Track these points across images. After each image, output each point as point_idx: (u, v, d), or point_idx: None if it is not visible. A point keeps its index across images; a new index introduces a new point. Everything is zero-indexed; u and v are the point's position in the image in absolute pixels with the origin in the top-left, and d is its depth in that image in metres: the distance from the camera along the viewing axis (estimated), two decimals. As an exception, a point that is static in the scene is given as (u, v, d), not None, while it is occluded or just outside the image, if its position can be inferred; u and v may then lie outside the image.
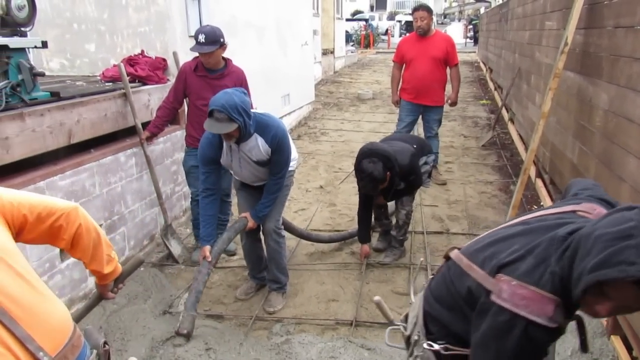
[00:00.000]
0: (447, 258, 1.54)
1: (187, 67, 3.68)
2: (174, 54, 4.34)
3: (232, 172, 3.23)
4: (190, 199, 4.07)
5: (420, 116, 5.48)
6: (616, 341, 2.66)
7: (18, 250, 1.31)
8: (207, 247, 2.98)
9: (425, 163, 3.79)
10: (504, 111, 8.23)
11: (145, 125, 3.87)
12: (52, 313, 1.28)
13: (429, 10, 5.20)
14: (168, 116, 3.81)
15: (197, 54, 3.61)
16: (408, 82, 5.34)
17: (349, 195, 5.28)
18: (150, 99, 4.06)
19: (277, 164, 3.03)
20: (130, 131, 3.83)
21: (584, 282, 1.11)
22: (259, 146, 2.94)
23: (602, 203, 1.38)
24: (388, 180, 3.43)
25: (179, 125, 4.51)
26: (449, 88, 5.50)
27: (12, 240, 1.32)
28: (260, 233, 3.35)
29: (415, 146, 3.74)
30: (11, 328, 1.16)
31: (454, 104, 5.65)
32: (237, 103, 2.71)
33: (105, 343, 1.46)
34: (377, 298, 1.82)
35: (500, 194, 5.23)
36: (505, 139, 7.40)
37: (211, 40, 3.44)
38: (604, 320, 2.82)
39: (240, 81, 3.67)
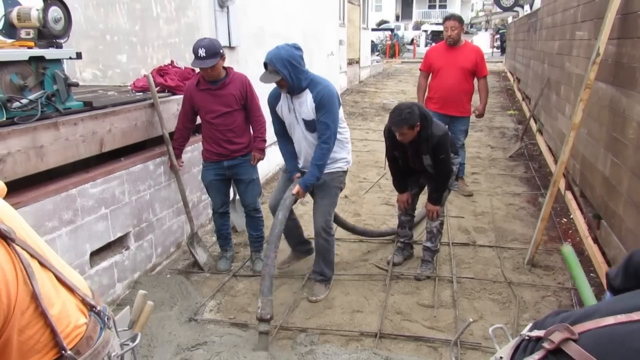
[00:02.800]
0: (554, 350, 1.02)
1: (190, 86, 3.66)
2: (203, 64, 4.41)
3: (293, 136, 3.40)
4: (213, 214, 4.03)
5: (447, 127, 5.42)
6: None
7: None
8: (297, 174, 3.34)
9: (452, 163, 3.72)
10: (532, 122, 8.10)
11: (172, 134, 3.93)
12: (72, 271, 1.41)
13: (460, 20, 5.16)
14: (184, 138, 3.83)
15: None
16: (435, 92, 5.28)
17: (374, 206, 5.26)
18: (179, 109, 4.12)
19: (322, 124, 3.16)
20: (159, 140, 3.90)
21: None
22: (307, 102, 3.16)
23: None
24: (416, 134, 3.33)
25: (207, 134, 4.57)
26: (475, 98, 5.44)
27: None
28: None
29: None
30: (62, 278, 1.29)
31: (480, 115, 5.58)
32: (283, 56, 3.00)
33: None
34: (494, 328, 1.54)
35: (528, 206, 5.14)
36: (533, 150, 7.28)
37: (212, 54, 3.38)
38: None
39: (244, 86, 3.63)
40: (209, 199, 4.57)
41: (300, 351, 2.88)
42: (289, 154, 3.43)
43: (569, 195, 4.94)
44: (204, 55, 3.36)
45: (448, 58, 5.17)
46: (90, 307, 1.35)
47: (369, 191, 5.70)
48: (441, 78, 5.20)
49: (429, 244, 3.80)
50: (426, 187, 3.85)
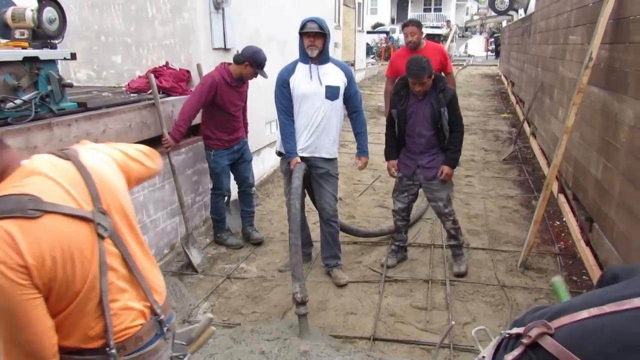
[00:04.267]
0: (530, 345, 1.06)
1: (220, 80, 3.93)
2: (198, 66, 4.42)
3: (301, 112, 3.52)
4: (216, 200, 4.30)
5: None
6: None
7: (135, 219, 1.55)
8: (297, 158, 3.50)
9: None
10: (525, 125, 8.15)
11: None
12: (157, 275, 1.54)
13: (418, 25, 5.29)
14: (190, 123, 3.95)
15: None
16: None
17: (368, 208, 5.27)
18: (174, 110, 4.12)
19: (355, 94, 3.63)
20: (154, 141, 3.89)
21: None
22: (334, 71, 3.50)
23: None
24: (432, 86, 3.49)
25: (201, 136, 4.57)
26: None
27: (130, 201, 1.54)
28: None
29: None
30: (139, 281, 1.42)
31: None
32: (325, 21, 3.44)
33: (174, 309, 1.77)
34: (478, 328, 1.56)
35: (522, 208, 5.17)
36: (526, 153, 7.32)
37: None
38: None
39: (247, 84, 4.22)
40: (203, 200, 4.59)
41: (294, 353, 2.88)
42: (292, 134, 3.54)
43: (561, 198, 4.97)
44: (264, 66, 3.94)
45: None
46: (154, 313, 1.45)
47: (363, 193, 5.71)
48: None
49: (453, 242, 3.85)
50: (421, 191, 3.87)
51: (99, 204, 1.33)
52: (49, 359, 1.25)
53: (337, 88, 3.48)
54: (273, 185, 5.88)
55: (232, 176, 4.39)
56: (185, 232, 4.06)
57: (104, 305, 1.31)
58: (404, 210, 3.90)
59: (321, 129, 3.51)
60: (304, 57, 3.47)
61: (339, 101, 3.53)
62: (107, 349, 1.33)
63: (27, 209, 1.18)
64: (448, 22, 23.94)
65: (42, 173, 1.27)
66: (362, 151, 3.76)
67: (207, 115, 4.08)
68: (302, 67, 3.48)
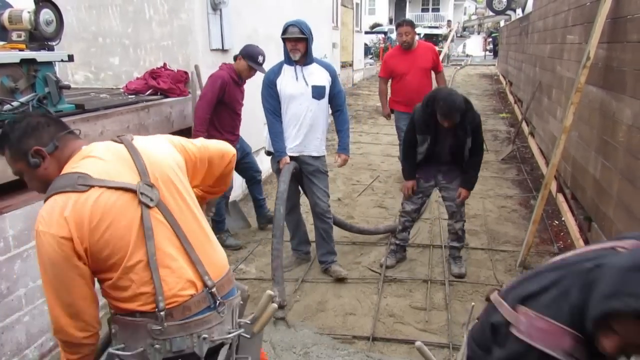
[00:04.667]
0: (488, 300, 1.48)
1: (228, 79, 4.03)
2: (196, 67, 4.41)
3: (292, 113, 3.56)
4: (217, 202, 4.29)
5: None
6: (641, 362, 2.59)
7: (196, 200, 1.65)
8: (286, 157, 3.53)
9: None
10: (524, 125, 8.15)
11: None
12: (215, 250, 1.64)
13: (412, 25, 5.46)
14: (207, 125, 4.01)
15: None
16: (401, 95, 5.45)
17: (367, 208, 5.26)
18: (172, 112, 4.12)
19: (339, 93, 3.67)
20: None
21: (591, 312, 1.08)
22: (318, 71, 3.56)
23: None
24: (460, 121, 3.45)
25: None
26: None
27: (190, 187, 1.65)
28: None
29: None
30: (188, 251, 1.50)
31: None
32: (306, 25, 3.48)
33: (247, 291, 1.81)
34: (418, 343, 1.74)
35: (520, 208, 5.17)
36: (525, 152, 7.32)
37: (263, 62, 4.07)
38: None
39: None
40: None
41: (294, 354, 2.88)
42: (280, 134, 3.58)
43: (560, 198, 4.98)
44: (261, 62, 4.04)
45: (408, 61, 5.39)
46: (205, 285, 1.51)
47: (362, 194, 5.71)
48: (406, 82, 5.40)
49: (456, 244, 3.84)
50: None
51: (146, 177, 1.49)
52: (88, 322, 1.47)
53: (323, 87, 3.56)
54: (272, 187, 5.87)
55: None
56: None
57: (151, 268, 1.41)
58: (415, 212, 3.90)
59: (309, 128, 3.58)
60: (289, 60, 3.52)
61: (325, 100, 3.60)
62: (157, 311, 1.41)
63: (77, 184, 1.40)
64: (449, 22, 23.93)
65: (94, 156, 1.51)
66: (342, 148, 3.80)
67: (215, 114, 4.06)
68: (287, 69, 3.54)
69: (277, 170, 3.66)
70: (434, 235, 4.53)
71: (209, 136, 4.11)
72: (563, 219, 4.70)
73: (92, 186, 1.41)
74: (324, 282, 3.77)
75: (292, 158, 3.59)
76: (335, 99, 3.67)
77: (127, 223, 1.42)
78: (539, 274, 1.33)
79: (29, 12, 2.88)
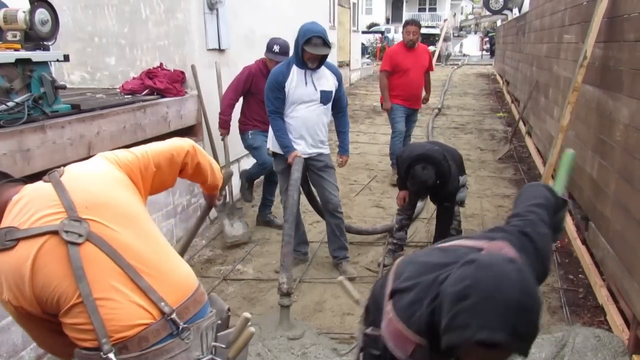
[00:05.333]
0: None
1: (256, 70, 4.29)
2: (192, 67, 4.40)
3: (298, 115, 3.55)
4: (258, 172, 4.68)
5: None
6: (639, 361, 2.60)
7: (148, 216, 1.53)
8: (295, 151, 3.51)
9: (463, 185, 3.82)
10: (521, 124, 8.16)
11: (164, 137, 3.91)
12: (175, 270, 1.49)
13: (419, 25, 5.82)
14: (231, 110, 4.36)
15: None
16: (403, 90, 5.74)
17: (364, 208, 5.26)
18: (168, 112, 4.11)
19: (343, 96, 3.69)
20: (147, 143, 3.88)
21: (443, 343, 1.13)
22: (327, 75, 3.54)
23: (521, 238, 1.40)
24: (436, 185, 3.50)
25: (196, 137, 4.56)
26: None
27: (139, 201, 1.55)
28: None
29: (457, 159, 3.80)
30: (135, 280, 1.38)
31: (427, 101, 6.31)
32: (326, 32, 3.43)
33: (228, 309, 1.67)
34: (340, 278, 1.91)
35: (518, 208, 5.16)
36: (522, 152, 7.33)
37: (284, 51, 4.17)
38: (625, 340, 2.76)
39: None
40: (199, 202, 4.58)
41: (292, 354, 2.87)
42: (286, 131, 3.56)
43: (557, 197, 4.98)
44: (278, 51, 4.16)
45: (413, 59, 5.72)
46: (163, 312, 1.40)
47: (359, 193, 5.71)
48: (409, 78, 5.70)
49: None
50: None
51: (73, 212, 1.38)
52: (57, 354, 1.49)
53: (330, 92, 3.58)
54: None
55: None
56: (222, 200, 4.35)
57: (88, 310, 1.32)
58: (410, 209, 3.92)
59: (315, 130, 3.60)
60: (301, 63, 3.45)
61: (330, 103, 3.63)
62: (102, 353, 1.33)
63: (5, 240, 1.33)
64: (446, 20, 23.90)
65: (21, 204, 1.40)
66: (344, 150, 3.88)
67: (245, 103, 4.43)
68: (297, 72, 3.48)
69: (283, 171, 3.66)
70: (431, 235, 4.52)
71: (240, 123, 4.50)
72: (560, 218, 4.71)
73: (20, 239, 1.33)
74: (321, 282, 3.76)
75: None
76: (338, 101, 3.69)
77: (59, 267, 1.34)
78: (416, 262, 1.41)
79: (24, 11, 2.86)
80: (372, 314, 1.60)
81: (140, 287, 1.38)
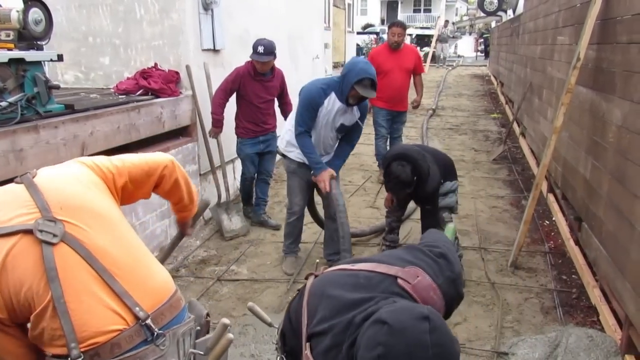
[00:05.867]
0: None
1: (243, 73, 4.33)
2: (187, 67, 4.39)
3: (314, 132, 3.58)
4: (242, 182, 4.81)
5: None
6: (631, 361, 2.61)
7: (124, 219, 1.49)
8: (328, 169, 3.51)
9: (452, 191, 3.80)
10: (515, 125, 8.19)
11: (158, 137, 3.90)
12: (151, 275, 1.45)
13: (404, 27, 5.82)
14: (223, 108, 4.39)
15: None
16: (383, 92, 5.58)
17: (359, 209, 5.27)
18: (162, 112, 4.09)
19: (359, 130, 3.66)
20: (141, 144, 3.87)
21: None
22: (354, 111, 3.53)
23: (438, 261, 1.38)
24: (414, 186, 3.46)
25: (191, 137, 4.55)
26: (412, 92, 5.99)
27: (117, 208, 1.51)
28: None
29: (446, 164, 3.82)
30: (110, 284, 1.33)
31: (418, 105, 6.27)
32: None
33: (207, 315, 1.63)
34: (250, 304, 1.90)
35: (512, 208, 5.19)
36: (516, 153, 7.36)
37: (269, 52, 4.21)
38: (618, 339, 2.78)
39: (282, 79, 4.62)
40: (199, 199, 4.57)
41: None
42: (314, 148, 3.57)
43: (551, 198, 5.01)
44: (262, 51, 4.19)
45: (395, 60, 5.70)
46: (137, 318, 1.35)
47: (354, 194, 5.71)
48: (389, 79, 5.65)
49: None
50: None
51: (47, 213, 1.34)
52: None
53: (349, 126, 3.59)
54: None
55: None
56: (217, 199, 4.51)
57: (58, 313, 1.27)
58: (398, 210, 3.91)
59: (326, 145, 3.68)
60: (342, 97, 3.41)
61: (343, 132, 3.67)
62: (68, 356, 1.28)
63: None
64: (446, 22, 23.86)
65: None
66: (335, 167, 3.70)
67: (237, 105, 4.52)
68: (334, 101, 3.45)
69: (294, 170, 3.72)
70: (425, 236, 4.54)
71: (235, 124, 4.56)
72: (554, 218, 4.73)
73: None
74: (316, 282, 3.76)
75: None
76: (353, 132, 3.66)
77: (31, 268, 1.29)
78: (328, 297, 1.34)
79: (17, 11, 2.85)
80: (290, 341, 1.53)
81: (115, 292, 1.34)
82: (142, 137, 3.82)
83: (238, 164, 5.42)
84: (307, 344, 1.30)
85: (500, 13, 17.26)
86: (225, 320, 1.51)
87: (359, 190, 5.86)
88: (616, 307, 2.94)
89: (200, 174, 4.70)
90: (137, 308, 1.35)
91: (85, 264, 1.33)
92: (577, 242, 3.93)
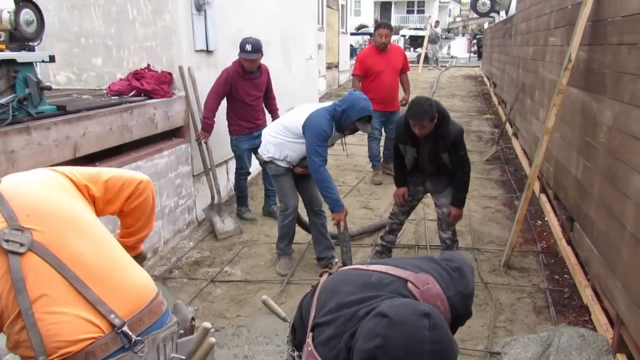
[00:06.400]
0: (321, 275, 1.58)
1: (233, 73, 4.41)
2: (180, 68, 4.39)
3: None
4: (238, 179, 4.87)
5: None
6: (622, 359, 2.63)
7: (98, 221, 1.45)
8: (345, 209, 3.63)
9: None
10: (507, 126, 8.23)
11: (151, 138, 3.88)
12: (128, 280, 1.40)
13: (391, 28, 5.90)
14: (213, 114, 4.46)
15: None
16: (376, 93, 5.64)
17: (353, 209, 5.27)
18: (155, 113, 4.08)
19: None
20: (135, 145, 3.86)
21: None
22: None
23: (452, 274, 1.37)
24: (433, 131, 3.39)
25: (184, 138, 4.54)
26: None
27: (91, 212, 1.47)
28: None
29: None
30: (82, 292, 1.29)
31: (407, 103, 6.23)
32: None
33: (192, 318, 1.59)
34: (264, 297, 1.90)
35: (504, 208, 5.22)
36: (509, 153, 7.40)
37: (256, 49, 4.32)
38: (609, 338, 2.80)
39: (268, 75, 4.73)
40: (187, 204, 4.56)
41: (280, 358, 2.87)
42: (334, 183, 3.70)
43: (543, 198, 5.03)
44: (250, 49, 4.29)
45: (384, 62, 5.77)
46: (113, 325, 1.31)
47: (347, 195, 5.72)
48: (381, 81, 5.75)
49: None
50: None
51: (13, 221, 1.29)
52: None
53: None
54: (258, 188, 5.85)
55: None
56: (210, 201, 4.62)
57: (26, 325, 1.24)
58: (404, 214, 3.91)
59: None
60: (341, 130, 3.60)
61: None
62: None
63: None
64: (437, 22, 23.86)
65: None
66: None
67: (229, 105, 4.60)
68: (333, 130, 3.60)
69: (281, 173, 3.76)
70: (419, 236, 4.55)
71: (228, 122, 4.66)
72: (546, 218, 4.76)
73: None
74: (308, 283, 3.76)
75: (293, 167, 3.75)
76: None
77: None
78: (339, 293, 1.35)
79: (9, 12, 2.82)
80: (299, 335, 1.56)
81: (88, 300, 1.30)
82: (135, 138, 3.81)
83: (230, 165, 5.41)
84: (310, 333, 1.32)
85: (492, 14, 17.35)
86: (207, 324, 1.47)
87: (353, 191, 5.86)
88: (608, 307, 2.97)
89: (193, 175, 4.69)
90: (113, 315, 1.31)
91: (55, 273, 1.29)
92: (569, 242, 3.95)
